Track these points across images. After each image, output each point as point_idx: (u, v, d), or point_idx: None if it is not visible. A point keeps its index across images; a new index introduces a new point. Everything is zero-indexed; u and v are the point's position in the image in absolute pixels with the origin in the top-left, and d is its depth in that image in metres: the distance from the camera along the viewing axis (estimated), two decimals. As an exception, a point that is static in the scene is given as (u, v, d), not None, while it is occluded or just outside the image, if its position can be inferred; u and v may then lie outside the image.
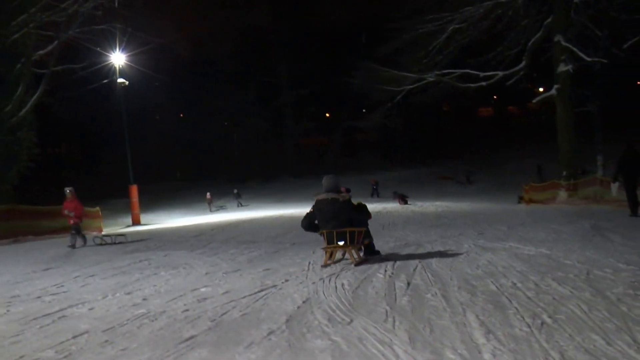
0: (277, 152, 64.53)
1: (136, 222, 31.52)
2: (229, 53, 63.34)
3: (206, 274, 10.10)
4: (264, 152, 63.53)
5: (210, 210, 38.53)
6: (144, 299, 8.09)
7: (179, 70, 60.64)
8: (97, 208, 28.56)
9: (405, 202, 35.51)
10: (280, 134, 65.04)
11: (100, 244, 17.89)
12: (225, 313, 6.82)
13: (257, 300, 7.41)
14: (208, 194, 40.31)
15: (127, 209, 33.29)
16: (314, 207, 9.76)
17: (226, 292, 8.15)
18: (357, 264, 9.40)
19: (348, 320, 6.10)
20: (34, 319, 7.27)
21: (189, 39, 58.04)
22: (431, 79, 32.04)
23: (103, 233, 19.74)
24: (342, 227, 9.40)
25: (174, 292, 8.49)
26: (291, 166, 63.14)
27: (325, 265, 9.54)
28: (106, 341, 5.93)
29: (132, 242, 18.45)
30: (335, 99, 64.95)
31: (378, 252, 10.37)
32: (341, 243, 9.45)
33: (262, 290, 8.04)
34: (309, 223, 9.88)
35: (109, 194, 45.88)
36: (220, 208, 39.79)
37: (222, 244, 15.57)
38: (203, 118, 63.47)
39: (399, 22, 31.75)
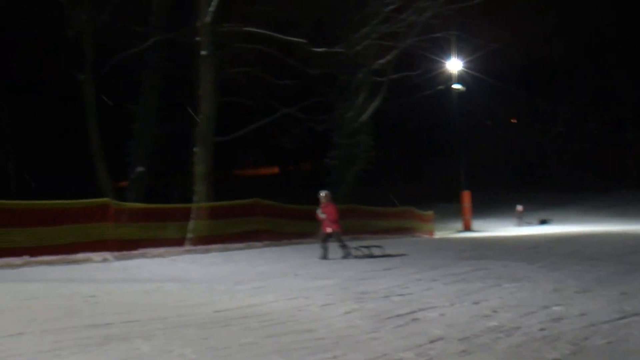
0: (616, 161, 59.63)
1: (467, 227, 31.78)
2: (562, 54, 60.72)
3: (554, 290, 9.52)
4: (600, 161, 59.21)
5: (519, 225, 35.73)
6: (494, 311, 7.85)
7: (510, 74, 59.54)
8: (430, 212, 29.25)
9: None
10: (619, 141, 60.14)
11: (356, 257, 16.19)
12: (586, 338, 6.29)
13: (620, 329, 6.73)
14: (519, 206, 37.69)
15: (457, 214, 33.58)
16: None
17: (582, 314, 7.55)
18: None
19: None
20: (388, 318, 7.47)
21: (522, 41, 56.53)
22: None
23: (360, 244, 17.68)
24: None
25: (522, 306, 8.12)
26: (634, 177, 57.81)
27: None
28: (463, 351, 5.83)
29: (393, 256, 16.38)
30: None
31: None
32: None
33: (623, 318, 7.29)
34: None
35: (438, 199, 46.52)
36: (529, 224, 36.53)
37: (563, 259, 14.69)
38: (535, 123, 61.43)
39: None
